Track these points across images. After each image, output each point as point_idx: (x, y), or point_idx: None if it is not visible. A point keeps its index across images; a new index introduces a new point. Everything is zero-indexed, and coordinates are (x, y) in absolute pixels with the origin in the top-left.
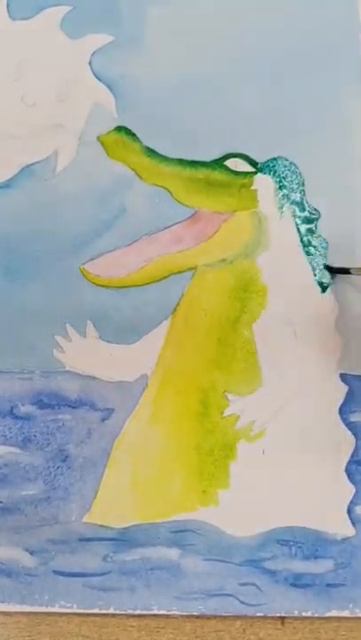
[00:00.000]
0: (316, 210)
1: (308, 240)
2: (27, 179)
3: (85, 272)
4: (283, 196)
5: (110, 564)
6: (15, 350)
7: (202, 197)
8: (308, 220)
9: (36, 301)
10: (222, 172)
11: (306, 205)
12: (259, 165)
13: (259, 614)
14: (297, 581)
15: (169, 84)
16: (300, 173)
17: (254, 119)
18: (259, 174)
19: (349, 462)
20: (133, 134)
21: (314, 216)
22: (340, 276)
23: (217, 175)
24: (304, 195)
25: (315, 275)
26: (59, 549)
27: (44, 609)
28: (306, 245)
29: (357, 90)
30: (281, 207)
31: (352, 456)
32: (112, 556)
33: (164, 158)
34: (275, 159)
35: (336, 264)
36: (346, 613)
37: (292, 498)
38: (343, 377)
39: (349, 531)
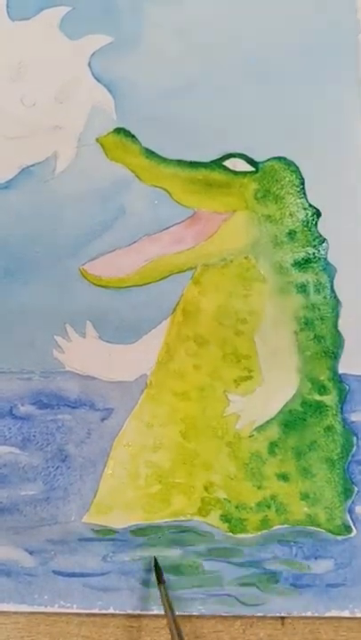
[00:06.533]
0: (316, 209)
1: (308, 240)
2: (26, 180)
3: (85, 273)
4: (282, 195)
5: (110, 565)
6: (15, 350)
7: (201, 198)
8: (307, 220)
9: (36, 302)
10: (221, 173)
11: (305, 205)
12: (258, 165)
13: (259, 614)
14: (297, 581)
15: (168, 86)
16: (299, 173)
17: (253, 119)
18: (258, 174)
19: (350, 462)
20: (133, 136)
21: (313, 216)
22: (340, 274)
23: (216, 175)
24: (304, 194)
25: (314, 274)
26: (58, 549)
27: (43, 609)
28: (305, 245)
29: (357, 89)
30: (281, 207)
31: (353, 456)
32: (112, 557)
33: (164, 159)
34: (274, 159)
35: (337, 264)
36: (346, 613)
37: (292, 497)
38: (344, 377)
39: (350, 531)
